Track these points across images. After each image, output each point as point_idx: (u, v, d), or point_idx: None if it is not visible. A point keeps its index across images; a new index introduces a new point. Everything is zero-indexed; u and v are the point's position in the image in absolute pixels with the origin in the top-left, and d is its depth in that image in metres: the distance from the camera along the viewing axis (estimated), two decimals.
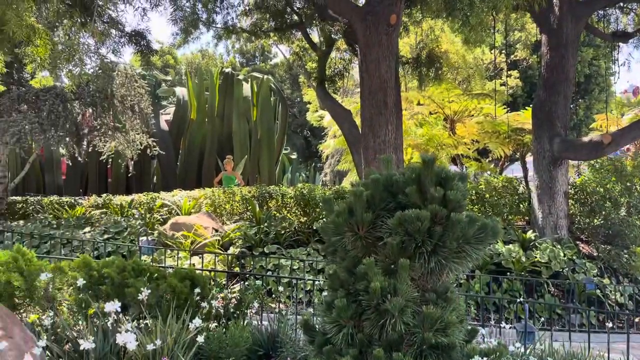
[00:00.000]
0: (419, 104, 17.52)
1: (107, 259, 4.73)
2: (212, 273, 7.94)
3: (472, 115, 16.86)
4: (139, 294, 4.16)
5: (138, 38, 5.89)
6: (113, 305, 2.78)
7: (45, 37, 5.15)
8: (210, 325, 3.87)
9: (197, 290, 4.19)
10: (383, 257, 3.18)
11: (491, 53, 21.36)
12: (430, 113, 17.83)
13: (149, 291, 3.50)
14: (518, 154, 15.07)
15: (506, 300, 7.77)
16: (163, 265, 7.99)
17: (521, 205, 10.76)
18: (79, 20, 4.82)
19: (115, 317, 3.45)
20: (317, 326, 3.58)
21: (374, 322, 3.07)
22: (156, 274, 4.70)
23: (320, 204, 10.87)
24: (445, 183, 3.27)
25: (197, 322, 2.91)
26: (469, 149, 15.92)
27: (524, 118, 15.04)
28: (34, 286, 4.11)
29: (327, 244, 3.64)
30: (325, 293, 5.72)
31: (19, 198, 11.99)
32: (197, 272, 6.36)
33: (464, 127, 16.32)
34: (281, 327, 4.57)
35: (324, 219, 10.39)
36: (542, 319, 7.42)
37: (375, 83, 8.28)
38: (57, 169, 17.91)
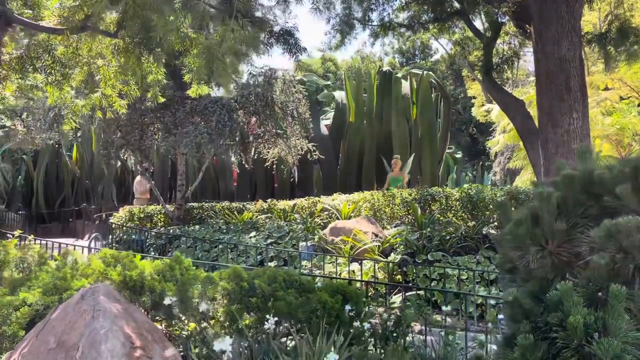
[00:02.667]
0: (606, 88, 15.15)
1: (257, 269, 4.53)
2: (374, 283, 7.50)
3: None
4: (289, 308, 3.85)
5: (286, 37, 5.75)
6: (221, 344, 2.40)
7: (199, 44, 5.15)
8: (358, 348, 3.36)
9: (348, 307, 3.70)
10: (584, 280, 2.35)
11: None
12: (622, 98, 15.31)
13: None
14: None
15: None
16: (322, 272, 7.76)
17: None
18: (230, 24, 4.71)
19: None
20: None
21: None
22: (307, 286, 4.36)
23: (491, 206, 9.79)
24: None
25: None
26: None
27: None
28: (186, 296, 4.00)
29: (503, 259, 2.89)
30: (501, 315, 4.85)
31: (195, 204, 12.94)
32: (353, 284, 5.95)
33: None
34: (448, 354, 3.89)
35: (496, 224, 9.34)
36: None
37: (554, 64, 7.07)
38: (229, 176, 19.23)
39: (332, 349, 3.39)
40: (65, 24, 4.31)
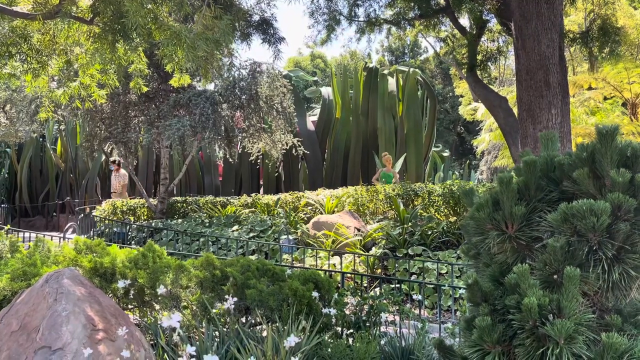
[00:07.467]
0: (590, 88, 15.30)
1: (231, 258, 4.53)
2: (352, 275, 7.52)
3: None
4: (260, 296, 3.86)
5: (264, 26, 5.72)
6: (169, 321, 2.40)
7: (170, 30, 5.11)
8: (326, 336, 3.38)
9: (315, 293, 3.72)
10: (542, 264, 2.38)
11: None
12: (605, 98, 15.47)
13: None
14: None
15: None
16: (302, 265, 7.78)
17: None
18: (202, 11, 4.68)
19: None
20: (455, 347, 2.89)
21: (530, 350, 2.29)
22: (281, 275, 4.37)
23: None
24: (632, 163, 2.37)
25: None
26: None
27: None
28: (158, 284, 3.99)
29: (468, 245, 2.92)
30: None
31: (179, 198, 12.87)
32: (333, 275, 5.97)
33: None
34: (417, 342, 3.91)
35: None
36: None
37: (534, 60, 7.14)
38: (214, 170, 19.13)
39: (302, 335, 3.40)
40: (39, 9, 4.28)
